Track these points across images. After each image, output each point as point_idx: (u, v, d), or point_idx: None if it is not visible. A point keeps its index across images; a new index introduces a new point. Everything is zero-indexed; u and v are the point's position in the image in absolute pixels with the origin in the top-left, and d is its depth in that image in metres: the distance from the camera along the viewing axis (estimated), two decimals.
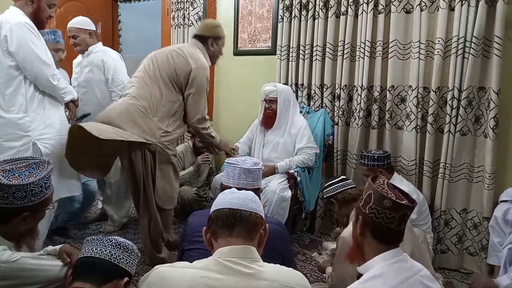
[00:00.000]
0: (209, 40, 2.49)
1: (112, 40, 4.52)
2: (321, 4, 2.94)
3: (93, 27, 2.92)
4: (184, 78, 2.33)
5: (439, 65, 2.51)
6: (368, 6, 2.73)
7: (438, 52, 2.51)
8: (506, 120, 2.44)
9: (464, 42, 2.41)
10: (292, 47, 3.11)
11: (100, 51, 2.90)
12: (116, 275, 1.22)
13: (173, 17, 3.83)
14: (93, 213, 3.35)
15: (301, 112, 3.01)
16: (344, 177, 2.32)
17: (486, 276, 2.23)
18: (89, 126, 2.14)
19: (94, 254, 1.22)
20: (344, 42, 2.87)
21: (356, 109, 2.88)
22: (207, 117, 2.47)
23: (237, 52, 3.59)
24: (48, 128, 2.26)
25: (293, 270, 1.18)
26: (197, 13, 3.63)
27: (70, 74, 3.03)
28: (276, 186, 2.62)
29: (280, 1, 3.13)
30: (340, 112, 2.95)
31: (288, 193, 2.64)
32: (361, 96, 2.82)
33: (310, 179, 2.85)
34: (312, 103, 3.11)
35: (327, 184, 2.31)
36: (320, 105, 3.07)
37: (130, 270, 1.26)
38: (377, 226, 1.18)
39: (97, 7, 4.33)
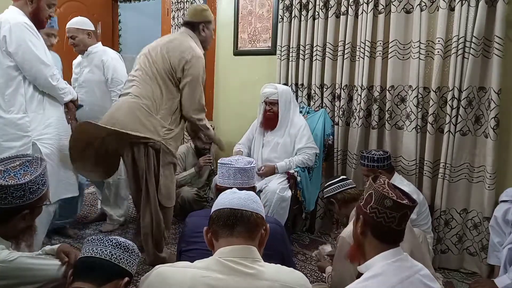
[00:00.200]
0: (200, 25, 2.46)
1: (112, 40, 4.53)
2: (321, 4, 2.94)
3: (91, 27, 2.92)
4: (181, 72, 2.32)
5: (439, 65, 2.51)
6: (368, 6, 2.73)
7: (438, 52, 2.51)
8: (506, 120, 2.44)
9: (464, 42, 2.41)
10: (292, 47, 3.11)
11: (99, 51, 2.90)
12: (117, 275, 1.21)
13: (173, 17, 3.83)
14: (93, 213, 3.35)
15: (301, 112, 3.01)
16: (344, 177, 2.32)
17: (490, 281, 2.22)
18: (94, 123, 2.19)
19: (95, 254, 1.21)
20: (344, 42, 2.87)
21: (356, 109, 2.88)
22: (205, 108, 2.44)
23: (237, 52, 3.59)
24: (48, 128, 2.26)
25: (293, 270, 1.18)
26: None
27: (70, 75, 3.02)
28: (276, 186, 2.62)
29: (280, 1, 3.13)
30: (340, 112, 2.95)
31: (288, 193, 2.64)
32: (361, 96, 2.82)
33: (310, 179, 2.85)
34: (312, 103, 3.11)
35: (327, 184, 2.31)
36: (320, 105, 3.07)
37: (130, 270, 1.26)
38: (378, 226, 1.19)
39: (97, 7, 4.33)
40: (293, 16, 3.08)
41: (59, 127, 2.33)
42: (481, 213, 2.51)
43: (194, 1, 3.62)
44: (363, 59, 2.79)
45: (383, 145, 2.81)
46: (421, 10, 2.55)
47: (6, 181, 1.35)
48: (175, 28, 3.81)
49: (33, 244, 1.58)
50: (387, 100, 2.75)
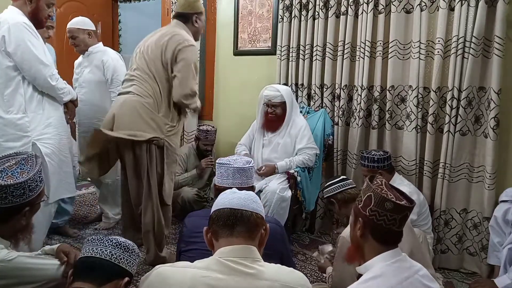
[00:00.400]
0: (193, 16, 2.44)
1: (112, 40, 4.53)
2: (321, 4, 2.94)
3: (92, 27, 2.91)
4: (174, 60, 2.29)
5: (439, 65, 2.51)
6: (368, 6, 2.73)
7: (438, 52, 2.51)
8: (506, 120, 2.44)
9: (464, 42, 2.41)
10: (292, 47, 3.11)
11: (100, 51, 2.89)
12: (117, 275, 1.21)
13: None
14: (93, 213, 3.35)
15: (301, 112, 3.00)
16: (344, 177, 2.33)
17: (490, 281, 2.22)
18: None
19: (95, 254, 1.21)
20: (344, 42, 2.87)
21: (356, 109, 2.88)
22: (197, 93, 2.39)
23: (237, 52, 3.59)
24: (47, 128, 2.26)
25: (294, 270, 1.18)
26: None
27: (71, 75, 3.02)
28: (276, 186, 2.62)
29: (280, 1, 3.13)
30: (340, 112, 2.95)
31: (288, 193, 2.64)
32: (361, 96, 2.82)
33: (310, 179, 2.85)
34: (312, 103, 3.11)
35: (327, 184, 2.31)
36: (320, 105, 3.07)
37: (130, 270, 1.26)
38: (378, 228, 1.18)
39: (97, 7, 4.33)
40: (293, 16, 3.08)
41: (58, 126, 2.33)
42: (481, 213, 2.51)
43: None
44: (363, 59, 2.79)
45: (383, 145, 2.81)
46: (421, 10, 2.55)
47: (5, 181, 1.35)
48: None
49: (32, 241, 1.58)
50: (387, 100, 2.75)
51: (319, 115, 2.99)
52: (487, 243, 2.41)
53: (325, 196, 2.36)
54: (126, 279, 1.23)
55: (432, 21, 2.57)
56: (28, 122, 2.18)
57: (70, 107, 2.48)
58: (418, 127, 2.63)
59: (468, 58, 2.41)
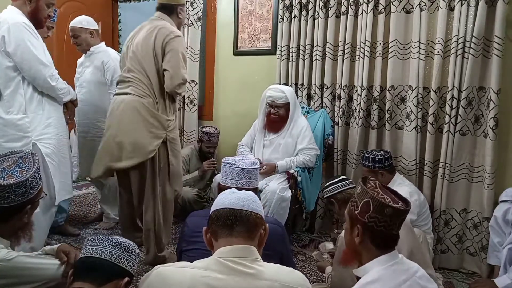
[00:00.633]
0: (178, 8, 2.45)
1: (112, 40, 4.53)
2: (321, 4, 2.94)
3: (94, 27, 2.90)
4: (163, 53, 2.30)
5: (439, 65, 2.51)
6: (368, 6, 2.73)
7: (438, 52, 2.51)
8: (506, 120, 2.44)
9: (464, 42, 2.41)
10: (292, 47, 3.11)
11: (102, 52, 2.88)
12: (117, 275, 1.22)
13: None
14: (93, 213, 3.35)
15: (301, 112, 3.01)
16: (344, 177, 2.32)
17: (490, 281, 2.22)
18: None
19: (95, 254, 1.22)
20: (344, 42, 2.87)
21: (356, 109, 2.88)
22: (187, 80, 2.42)
23: (237, 52, 3.59)
24: (48, 128, 2.26)
25: (293, 270, 1.18)
26: (196, 13, 3.63)
27: (71, 76, 3.01)
28: (276, 186, 2.62)
29: (280, 1, 3.13)
30: (340, 112, 2.95)
31: (288, 193, 2.64)
32: (361, 96, 2.82)
33: (310, 179, 2.85)
34: (312, 103, 3.11)
35: (327, 184, 2.31)
36: (320, 105, 3.07)
37: (130, 270, 1.26)
38: (378, 234, 1.17)
39: (97, 7, 4.33)
40: (293, 16, 3.08)
41: (58, 127, 2.33)
42: (480, 213, 2.51)
43: (194, 1, 3.62)
44: (363, 59, 2.79)
45: (383, 145, 2.81)
46: (421, 10, 2.55)
47: (7, 180, 1.36)
48: None
49: (33, 239, 1.58)
50: (387, 100, 2.75)
51: (319, 115, 2.99)
52: (487, 243, 2.41)
53: (325, 196, 2.36)
54: (126, 279, 1.23)
55: (432, 21, 2.57)
56: (28, 122, 2.18)
57: (69, 107, 2.48)
58: (418, 127, 2.63)
59: (468, 58, 2.41)
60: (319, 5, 2.95)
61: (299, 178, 2.72)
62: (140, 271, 2.32)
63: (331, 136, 2.97)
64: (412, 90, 2.62)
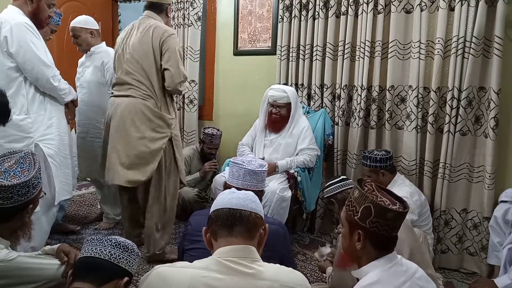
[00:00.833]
0: (168, 7, 2.50)
1: (112, 40, 4.52)
2: (321, 4, 2.94)
3: (95, 27, 2.89)
4: (162, 55, 2.32)
5: (439, 65, 2.51)
6: (368, 6, 2.73)
7: (438, 52, 2.51)
8: (506, 120, 2.44)
9: (464, 42, 2.41)
10: (292, 47, 3.11)
11: (102, 52, 2.88)
12: (116, 275, 1.22)
13: (173, 17, 3.83)
14: (93, 213, 3.35)
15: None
16: (344, 177, 2.33)
17: (490, 281, 2.22)
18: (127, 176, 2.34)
19: (94, 254, 1.22)
20: (344, 42, 2.87)
21: (356, 109, 2.88)
22: (187, 77, 2.46)
23: (237, 52, 3.59)
24: (50, 129, 2.26)
25: (293, 270, 1.18)
26: (196, 13, 3.63)
27: (71, 76, 3.01)
28: (276, 186, 2.62)
29: (280, 1, 3.13)
30: (340, 112, 2.95)
31: (288, 193, 2.64)
32: (361, 96, 2.82)
33: (310, 179, 2.85)
34: (312, 103, 3.11)
35: (327, 184, 2.31)
36: (320, 105, 3.07)
37: (130, 270, 1.26)
38: (380, 238, 1.17)
39: (97, 7, 4.33)
40: (293, 16, 3.08)
41: (60, 127, 2.33)
42: (480, 213, 2.51)
43: (194, 1, 3.62)
44: (363, 59, 2.79)
45: (383, 145, 2.81)
46: (421, 10, 2.55)
47: (10, 181, 1.36)
48: (174, 28, 3.81)
49: (33, 239, 1.58)
50: (387, 100, 2.75)
51: (319, 115, 2.99)
52: (487, 243, 2.41)
53: (325, 196, 2.36)
54: (126, 279, 1.23)
55: (432, 21, 2.57)
56: (30, 123, 2.18)
57: (70, 107, 2.48)
58: (418, 127, 2.63)
59: (468, 58, 2.41)
60: (319, 5, 2.95)
61: (299, 178, 2.72)
62: (140, 271, 2.32)
63: (331, 136, 2.97)
64: (412, 90, 2.62)
